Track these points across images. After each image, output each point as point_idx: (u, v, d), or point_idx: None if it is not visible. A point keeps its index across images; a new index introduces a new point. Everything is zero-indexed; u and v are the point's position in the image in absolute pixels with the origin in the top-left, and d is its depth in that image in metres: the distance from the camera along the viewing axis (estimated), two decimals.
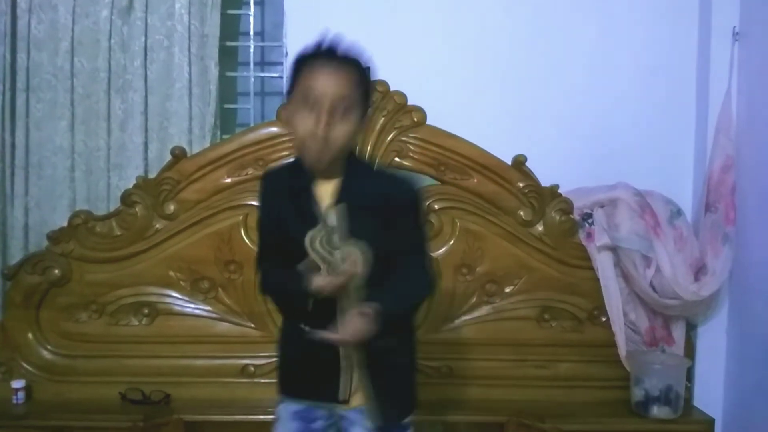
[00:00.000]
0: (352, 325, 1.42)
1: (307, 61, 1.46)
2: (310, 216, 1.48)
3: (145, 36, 2.40)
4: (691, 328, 2.41)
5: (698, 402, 2.36)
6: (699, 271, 2.26)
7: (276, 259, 1.58)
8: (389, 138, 2.33)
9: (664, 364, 2.26)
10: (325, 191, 1.52)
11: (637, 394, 2.22)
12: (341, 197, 1.49)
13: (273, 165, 1.95)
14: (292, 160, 1.68)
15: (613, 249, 2.27)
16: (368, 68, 1.52)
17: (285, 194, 1.55)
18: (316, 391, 1.59)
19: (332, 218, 1.46)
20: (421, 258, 1.60)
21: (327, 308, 1.48)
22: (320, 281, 1.43)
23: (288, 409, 1.62)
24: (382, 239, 1.47)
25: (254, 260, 1.70)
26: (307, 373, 1.59)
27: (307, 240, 1.44)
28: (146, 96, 2.42)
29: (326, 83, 1.42)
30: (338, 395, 1.56)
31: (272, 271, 1.62)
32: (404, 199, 1.54)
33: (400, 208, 1.52)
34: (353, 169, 1.53)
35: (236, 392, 2.29)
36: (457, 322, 2.37)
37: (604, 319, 2.33)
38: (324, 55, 1.45)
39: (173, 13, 2.40)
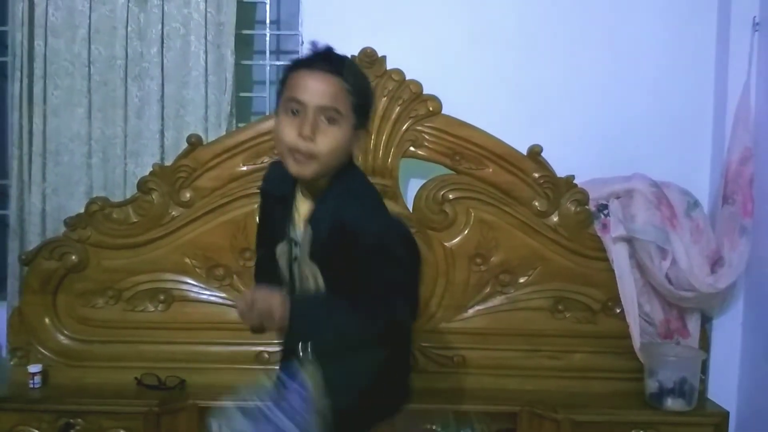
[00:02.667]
0: (259, 296, 1.34)
1: (294, 68, 1.42)
2: (283, 226, 1.49)
3: (162, 24, 2.40)
4: (706, 321, 2.40)
5: (712, 395, 2.35)
6: (715, 264, 2.24)
7: (268, 248, 1.56)
8: (404, 127, 2.33)
9: (679, 357, 2.25)
10: (303, 207, 1.48)
11: (651, 386, 2.22)
12: (310, 221, 1.44)
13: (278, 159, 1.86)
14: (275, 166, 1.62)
15: (629, 240, 2.26)
16: (366, 82, 1.46)
17: (276, 194, 1.53)
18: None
19: (298, 238, 1.47)
20: (379, 298, 1.38)
21: None
22: (240, 306, 1.37)
23: None
24: (339, 276, 1.41)
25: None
26: None
27: (277, 251, 1.50)
28: (163, 84, 2.42)
29: (311, 88, 1.37)
30: None
31: (258, 265, 1.66)
32: (367, 243, 1.37)
33: (362, 251, 1.37)
34: (332, 191, 1.44)
35: (250, 378, 2.28)
36: (470, 311, 2.37)
37: (618, 311, 2.32)
38: (312, 61, 1.40)
39: (190, 1, 2.40)
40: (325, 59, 1.40)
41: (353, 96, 1.40)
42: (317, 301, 1.44)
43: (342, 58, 1.42)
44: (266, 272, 1.57)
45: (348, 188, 1.46)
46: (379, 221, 1.44)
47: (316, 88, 1.37)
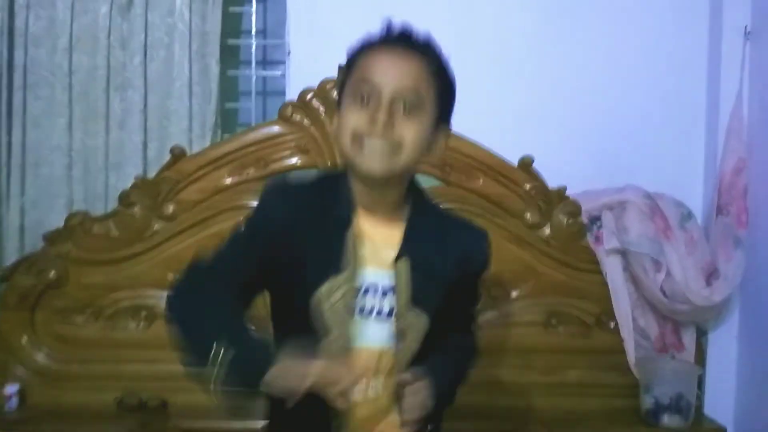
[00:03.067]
0: (414, 399, 1.08)
1: (364, 50, 1.16)
2: (335, 262, 1.10)
3: (145, 33, 2.35)
4: (701, 334, 2.36)
5: (709, 410, 2.31)
6: (711, 276, 2.21)
7: (236, 289, 1.13)
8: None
9: (675, 372, 2.21)
10: (373, 231, 1.13)
11: (647, 402, 2.17)
12: (405, 247, 1.12)
13: (287, 176, 1.58)
14: (320, 176, 1.31)
15: (622, 253, 2.22)
16: (450, 67, 1.20)
17: (309, 222, 1.13)
18: None
19: (377, 278, 1.11)
20: (474, 324, 1.30)
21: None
22: (312, 370, 1.00)
23: None
24: (442, 309, 1.16)
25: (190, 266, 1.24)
26: None
27: (319, 294, 1.07)
28: (146, 94, 2.37)
29: (389, 69, 1.10)
30: None
31: (217, 304, 1.12)
32: (483, 259, 1.23)
33: (479, 272, 1.22)
34: (421, 207, 1.18)
35: (235, 399, 2.22)
36: None
37: (612, 325, 2.28)
38: (389, 39, 1.15)
39: (174, 10, 2.35)
40: (404, 37, 1.15)
41: (438, 83, 1.15)
42: (443, 362, 1.18)
43: (425, 37, 1.17)
44: (218, 324, 1.12)
45: (433, 203, 1.25)
46: (488, 236, 1.27)
47: (394, 70, 1.11)
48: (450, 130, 1.25)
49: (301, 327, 1.11)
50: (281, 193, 1.19)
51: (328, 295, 1.09)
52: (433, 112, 1.15)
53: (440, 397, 1.16)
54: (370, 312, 1.14)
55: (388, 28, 1.16)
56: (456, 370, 1.25)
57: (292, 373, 1.03)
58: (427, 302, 1.14)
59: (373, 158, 1.09)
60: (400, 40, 1.15)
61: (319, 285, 1.09)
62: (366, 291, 1.13)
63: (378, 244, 1.14)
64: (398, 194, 1.16)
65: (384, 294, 1.14)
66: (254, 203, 1.24)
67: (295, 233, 1.13)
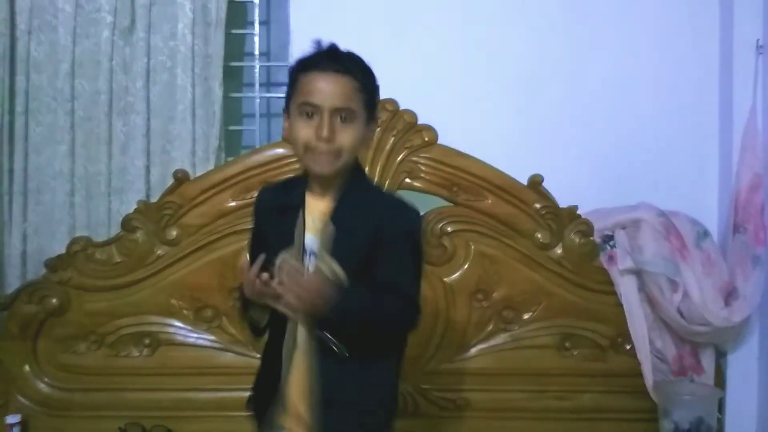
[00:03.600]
0: (306, 283, 1.29)
1: (303, 69, 1.40)
2: (290, 237, 1.40)
3: (148, 57, 2.34)
4: (720, 356, 2.29)
5: None
6: (729, 296, 2.15)
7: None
8: (399, 158, 2.25)
9: (694, 395, 2.14)
10: (317, 209, 1.43)
11: (666, 427, 2.10)
12: (333, 218, 1.40)
13: (269, 182, 1.85)
14: (285, 178, 1.64)
15: (637, 273, 2.16)
16: (372, 75, 1.43)
17: (273, 212, 1.48)
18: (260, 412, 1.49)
19: (311, 242, 1.39)
20: (407, 291, 1.42)
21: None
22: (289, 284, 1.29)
23: None
24: (365, 270, 1.38)
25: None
26: (260, 392, 1.51)
27: (278, 261, 1.33)
28: (148, 118, 2.35)
29: (324, 90, 1.36)
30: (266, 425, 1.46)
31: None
32: (401, 230, 1.41)
33: (394, 238, 1.39)
34: (353, 186, 1.44)
35: (242, 426, 2.13)
36: (472, 351, 2.26)
37: (628, 347, 2.21)
38: (320, 62, 1.38)
39: (176, 33, 2.34)
40: (333, 58, 1.39)
41: (363, 93, 1.39)
42: (362, 288, 1.36)
43: (349, 55, 1.41)
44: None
45: (368, 182, 1.55)
46: (413, 212, 1.46)
47: (329, 90, 1.36)
48: (377, 123, 1.53)
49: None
50: (259, 195, 1.58)
51: (285, 260, 1.35)
52: (363, 116, 1.40)
53: (344, 314, 1.31)
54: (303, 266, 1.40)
55: (321, 51, 1.40)
56: (372, 304, 1.36)
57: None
58: (346, 260, 1.37)
59: (321, 163, 1.38)
60: (330, 62, 1.38)
61: (278, 255, 1.36)
62: (307, 254, 1.41)
63: (317, 219, 1.42)
64: (342, 179, 1.43)
65: (311, 253, 1.42)
66: None
67: (267, 220, 1.50)
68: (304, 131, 1.37)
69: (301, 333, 1.41)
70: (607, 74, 2.40)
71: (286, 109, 1.44)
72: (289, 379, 1.42)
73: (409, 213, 1.45)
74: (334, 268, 1.35)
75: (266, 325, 1.46)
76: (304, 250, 1.40)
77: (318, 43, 1.42)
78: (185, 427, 2.19)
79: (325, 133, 1.35)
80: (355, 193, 1.43)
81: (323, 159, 1.37)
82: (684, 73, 2.39)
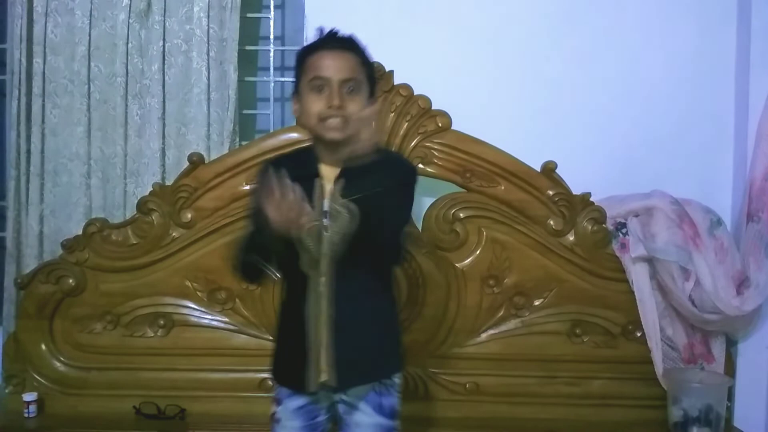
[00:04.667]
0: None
1: (310, 51, 1.56)
2: (311, 201, 1.50)
3: (163, 40, 2.34)
4: (731, 344, 2.29)
5: (739, 422, 2.24)
6: (741, 285, 2.14)
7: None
8: (413, 144, 2.25)
9: (704, 383, 2.15)
10: (333, 175, 1.55)
11: (675, 414, 2.11)
12: (344, 174, 1.54)
13: (270, 156, 1.92)
14: (292, 150, 1.76)
15: (649, 260, 2.16)
16: (368, 53, 1.58)
17: (300, 175, 1.52)
18: (298, 380, 1.57)
19: (328, 205, 1.53)
20: (404, 226, 1.65)
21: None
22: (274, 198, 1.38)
23: (288, 408, 1.61)
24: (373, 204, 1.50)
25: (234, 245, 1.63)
26: (291, 361, 1.59)
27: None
28: (164, 101, 2.36)
29: (332, 63, 1.51)
30: (307, 385, 1.55)
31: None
32: (404, 172, 1.59)
33: (398, 180, 1.54)
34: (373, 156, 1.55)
35: (254, 407, 2.20)
36: (483, 336, 2.27)
37: (639, 335, 2.22)
38: (326, 42, 1.55)
39: (192, 17, 2.34)
40: (336, 39, 1.55)
41: (365, 67, 1.56)
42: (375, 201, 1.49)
43: (349, 36, 1.57)
44: (245, 239, 1.57)
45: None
46: (410, 163, 1.76)
47: (336, 64, 1.52)
48: (376, 101, 1.64)
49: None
50: (271, 164, 1.56)
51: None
52: (366, 89, 1.56)
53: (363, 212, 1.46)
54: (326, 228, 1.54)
55: (324, 34, 1.56)
56: (380, 213, 1.48)
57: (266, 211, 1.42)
58: (358, 192, 1.48)
59: (334, 130, 1.51)
60: (334, 41, 1.55)
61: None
62: (326, 214, 1.54)
63: (330, 182, 1.56)
64: (349, 148, 1.52)
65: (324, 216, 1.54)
66: None
67: None
68: (316, 104, 1.52)
69: (323, 283, 1.53)
70: (621, 61, 2.38)
71: (296, 92, 1.58)
72: (317, 328, 1.53)
73: (408, 163, 1.72)
74: (349, 206, 1.48)
75: (259, 271, 1.59)
76: (324, 214, 1.53)
77: (320, 30, 1.57)
78: (198, 406, 2.21)
79: (336, 101, 1.49)
80: (360, 159, 1.54)
81: (335, 125, 1.50)
82: (700, 61, 2.37)
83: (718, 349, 2.25)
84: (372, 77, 1.59)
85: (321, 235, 1.52)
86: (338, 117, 1.50)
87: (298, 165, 1.58)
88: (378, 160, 1.48)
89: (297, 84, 1.58)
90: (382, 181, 1.47)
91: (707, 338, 2.24)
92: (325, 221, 1.53)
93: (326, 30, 1.57)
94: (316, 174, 1.57)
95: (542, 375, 2.24)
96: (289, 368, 1.60)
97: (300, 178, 1.49)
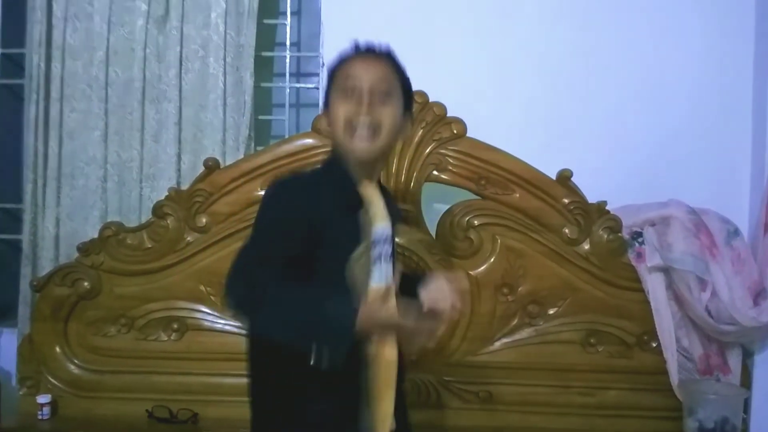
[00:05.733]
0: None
1: (342, 60, 1.47)
2: (355, 234, 1.39)
3: (181, 46, 2.36)
4: (747, 356, 2.27)
5: None
6: (758, 295, 2.12)
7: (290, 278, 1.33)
8: (428, 150, 2.25)
9: (720, 394, 2.12)
10: (375, 195, 1.45)
11: (691, 425, 2.09)
12: (390, 208, 1.45)
13: (287, 177, 1.59)
14: (322, 168, 1.52)
15: (665, 270, 2.15)
16: (404, 69, 1.50)
17: (329, 207, 1.39)
18: None
19: (382, 231, 1.41)
20: None
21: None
22: (405, 320, 1.30)
23: None
24: None
25: (236, 270, 1.37)
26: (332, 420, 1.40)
27: (351, 260, 1.35)
28: (180, 106, 2.37)
29: (364, 69, 1.41)
30: None
31: (283, 286, 1.30)
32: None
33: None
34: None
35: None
36: (497, 344, 2.26)
37: (654, 345, 2.20)
38: (359, 50, 1.47)
39: (209, 23, 2.36)
40: (370, 48, 1.47)
41: (400, 79, 1.46)
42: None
43: (385, 46, 1.48)
44: (297, 302, 1.32)
45: None
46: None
47: (369, 71, 1.41)
48: (412, 117, 1.56)
49: (333, 282, 1.37)
50: (299, 189, 1.43)
51: (358, 258, 1.37)
52: (400, 101, 1.45)
53: None
54: (379, 258, 1.40)
55: (358, 45, 1.47)
56: None
57: (379, 315, 1.31)
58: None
59: (361, 139, 1.39)
60: (368, 51, 1.46)
61: (349, 254, 1.36)
62: (380, 244, 1.40)
63: (376, 205, 1.44)
64: (381, 166, 1.49)
65: (385, 241, 1.43)
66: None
67: (322, 219, 1.37)
68: (344, 108, 1.40)
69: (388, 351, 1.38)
70: (638, 69, 2.37)
71: (326, 105, 1.49)
72: (384, 372, 1.38)
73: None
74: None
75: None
76: (373, 243, 1.39)
77: (355, 41, 1.49)
78: (211, 411, 2.21)
79: (366, 101, 1.38)
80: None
81: (363, 134, 1.39)
82: (717, 69, 2.36)
83: (734, 360, 2.22)
84: (408, 92, 1.49)
85: (375, 265, 1.39)
86: (367, 125, 1.38)
87: (335, 187, 1.43)
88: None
89: (327, 97, 1.48)
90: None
91: (723, 349, 2.22)
92: (381, 250, 1.40)
93: (360, 43, 1.49)
94: (359, 201, 1.42)
95: (556, 384, 2.22)
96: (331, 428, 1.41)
97: (338, 203, 1.40)
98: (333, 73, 1.47)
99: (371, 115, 1.38)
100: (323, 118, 1.54)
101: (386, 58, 1.46)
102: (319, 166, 1.55)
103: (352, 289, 1.35)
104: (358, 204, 1.42)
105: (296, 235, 1.36)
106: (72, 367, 2.28)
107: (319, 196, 1.41)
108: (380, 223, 1.42)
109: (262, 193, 2.20)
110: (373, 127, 1.39)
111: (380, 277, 1.40)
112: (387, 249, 1.43)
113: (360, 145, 1.39)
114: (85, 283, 2.26)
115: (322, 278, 1.37)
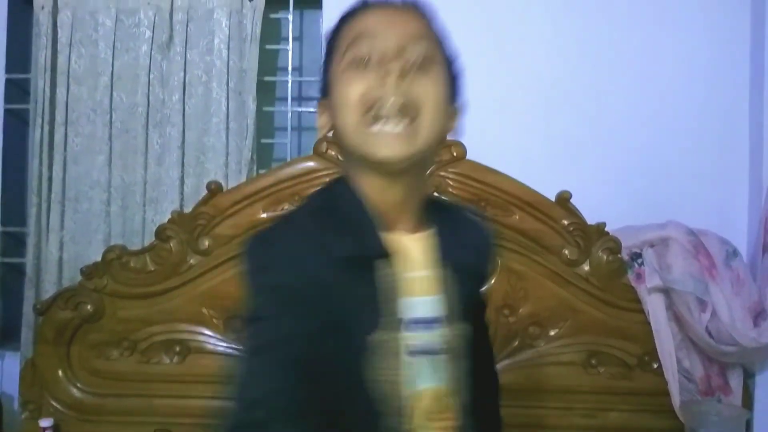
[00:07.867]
0: None
1: (348, 16, 0.92)
2: (372, 304, 0.85)
3: (184, 71, 2.39)
4: (748, 377, 2.27)
5: None
6: (758, 316, 2.12)
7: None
8: (427, 173, 2.26)
9: (721, 416, 2.11)
10: (407, 246, 0.87)
11: None
12: (444, 259, 0.88)
13: (264, 229, 1.06)
14: (331, 201, 0.95)
15: (665, 291, 2.15)
16: (441, 24, 0.96)
17: (340, 269, 0.85)
18: None
19: (422, 306, 0.86)
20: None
21: None
22: None
23: None
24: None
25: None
26: None
27: (366, 359, 0.84)
28: (184, 130, 2.40)
29: (386, 23, 0.86)
30: None
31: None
32: (494, 256, 0.99)
33: (489, 269, 0.96)
34: (434, 206, 0.93)
35: None
36: (498, 366, 2.24)
37: (655, 366, 2.20)
38: (369, 3, 0.91)
39: (212, 48, 2.39)
40: (389, 1, 0.90)
41: (442, 45, 0.93)
42: None
43: (422, 1, 0.94)
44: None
45: (438, 198, 1.00)
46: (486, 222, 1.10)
47: (395, 24, 0.87)
48: (459, 111, 1.01)
49: (350, 407, 0.83)
50: (317, 237, 0.87)
51: (378, 356, 0.84)
52: (444, 76, 0.90)
53: None
54: (421, 350, 0.88)
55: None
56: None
57: None
58: (468, 313, 0.89)
59: (389, 134, 0.82)
60: (387, 2, 0.90)
61: (364, 348, 0.83)
62: (412, 325, 0.86)
63: (415, 263, 0.86)
64: (423, 192, 0.90)
65: (432, 323, 0.89)
66: None
67: (326, 285, 0.84)
68: (357, 86, 0.85)
69: None
70: (635, 91, 2.40)
71: (323, 91, 0.94)
72: None
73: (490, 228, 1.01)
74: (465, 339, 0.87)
75: None
76: (401, 322, 0.85)
77: None
78: None
79: (394, 69, 0.83)
80: (442, 212, 0.94)
81: (393, 124, 0.83)
82: (715, 88, 2.38)
83: (736, 381, 2.22)
84: (452, 61, 0.95)
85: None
86: (398, 108, 0.83)
87: (350, 233, 0.87)
88: (469, 227, 0.92)
89: (326, 79, 0.93)
90: (482, 275, 0.93)
91: (724, 370, 2.22)
92: (414, 334, 0.84)
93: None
94: (383, 250, 0.87)
95: (558, 406, 2.22)
96: None
97: (358, 259, 0.86)
98: (334, 40, 0.92)
99: (404, 92, 0.83)
100: (320, 116, 0.93)
101: (418, 9, 0.92)
102: (316, 199, 0.97)
103: (378, 401, 0.84)
104: (375, 256, 0.86)
105: (309, 302, 0.86)
106: (74, 390, 2.28)
107: (320, 248, 0.87)
108: (416, 291, 0.86)
109: (264, 215, 2.27)
110: (408, 112, 0.84)
111: (430, 376, 0.89)
112: (431, 338, 0.87)
113: (389, 143, 0.83)
114: (88, 307, 2.26)
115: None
